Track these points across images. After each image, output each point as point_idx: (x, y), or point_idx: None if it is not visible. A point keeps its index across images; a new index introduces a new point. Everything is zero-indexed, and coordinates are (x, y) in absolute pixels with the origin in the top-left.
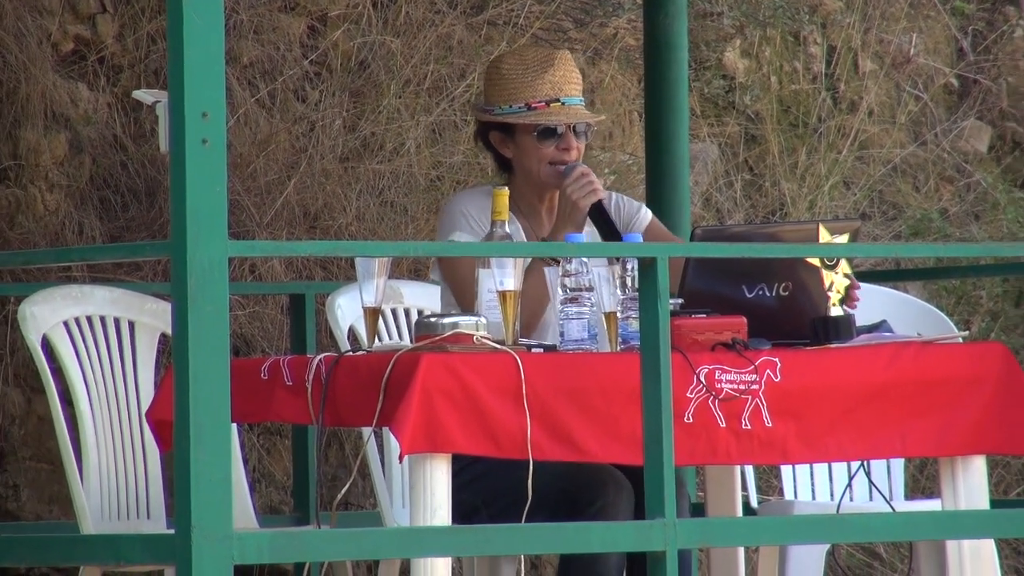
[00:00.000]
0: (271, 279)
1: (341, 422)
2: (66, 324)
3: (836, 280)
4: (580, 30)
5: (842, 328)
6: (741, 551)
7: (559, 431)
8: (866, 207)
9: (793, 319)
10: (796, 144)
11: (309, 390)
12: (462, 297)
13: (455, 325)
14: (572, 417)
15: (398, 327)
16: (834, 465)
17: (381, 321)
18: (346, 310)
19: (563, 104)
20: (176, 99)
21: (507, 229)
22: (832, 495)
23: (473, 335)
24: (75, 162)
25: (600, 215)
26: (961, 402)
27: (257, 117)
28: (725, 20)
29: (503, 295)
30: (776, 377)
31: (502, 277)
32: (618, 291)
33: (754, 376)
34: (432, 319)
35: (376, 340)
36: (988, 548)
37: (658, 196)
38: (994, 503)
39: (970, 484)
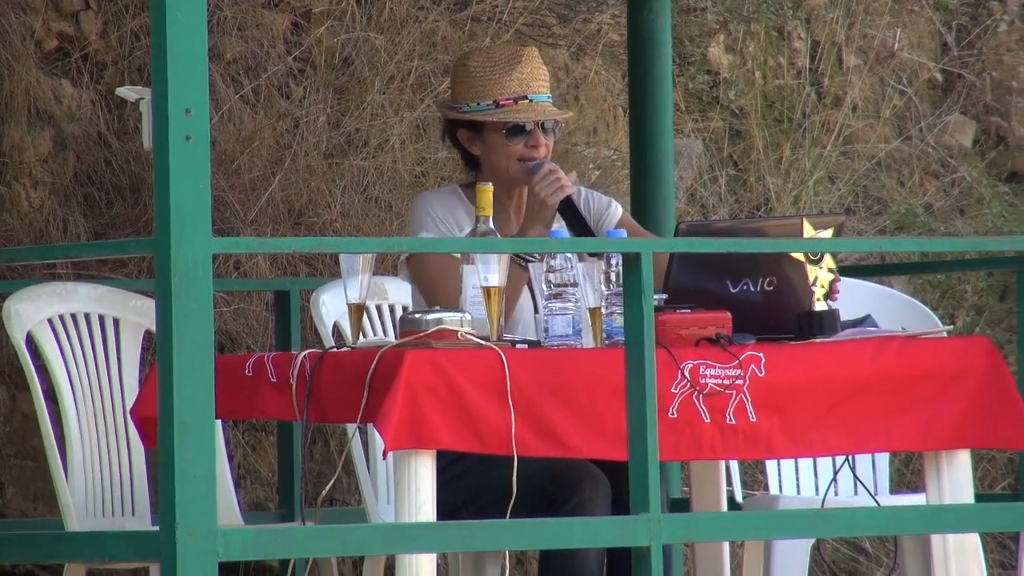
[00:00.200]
0: (256, 276)
1: (326, 418)
2: (50, 321)
3: (820, 275)
4: (564, 26)
5: (827, 323)
6: (726, 546)
7: (544, 427)
8: (851, 202)
9: (777, 314)
10: (780, 139)
11: (293, 386)
12: (430, 297)
13: (440, 321)
14: (557, 413)
15: (383, 323)
16: (819, 459)
17: (365, 317)
18: (331, 306)
19: (531, 101)
20: (159, 96)
21: (490, 225)
22: (817, 490)
23: (457, 331)
24: (59, 159)
25: (569, 211)
26: (946, 396)
27: (241, 114)
28: (709, 15)
29: (487, 291)
30: (760, 372)
31: (486, 273)
32: (602, 287)
33: (738, 371)
34: (417, 315)
35: (361, 336)
36: (973, 542)
37: (643, 191)
38: (979, 497)
39: (955, 478)
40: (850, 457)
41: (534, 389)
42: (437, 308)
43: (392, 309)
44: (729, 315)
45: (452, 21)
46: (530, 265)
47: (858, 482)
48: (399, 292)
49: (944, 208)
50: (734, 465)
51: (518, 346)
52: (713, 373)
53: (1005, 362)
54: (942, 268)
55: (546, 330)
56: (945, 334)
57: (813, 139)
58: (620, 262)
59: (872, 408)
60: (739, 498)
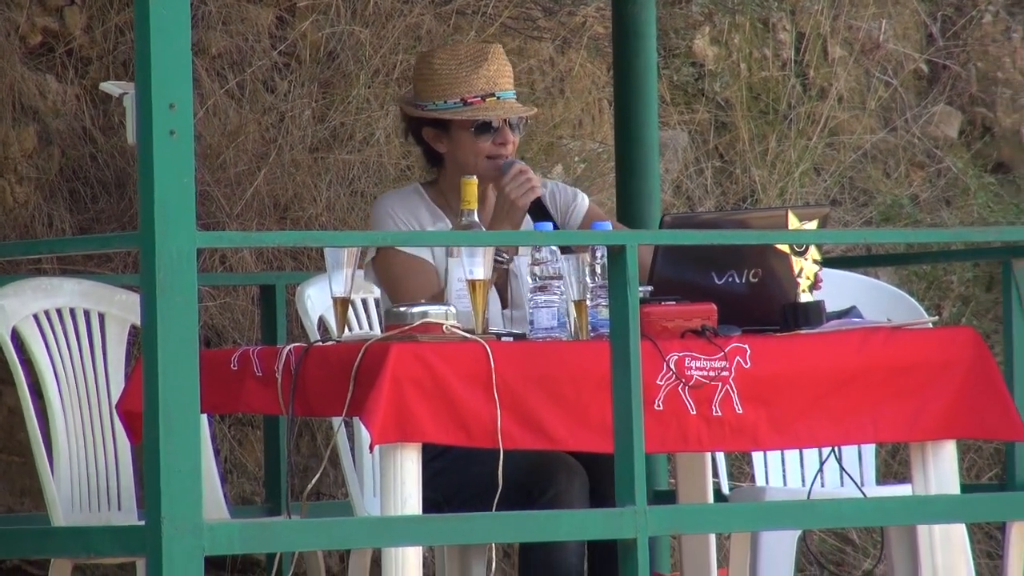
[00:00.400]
0: (242, 270)
1: (311, 412)
2: (36, 317)
3: (805, 266)
4: (549, 18)
5: (812, 314)
6: (712, 538)
7: (529, 419)
8: (837, 193)
9: (763, 305)
10: (766, 131)
11: (279, 380)
12: (394, 297)
13: (425, 314)
14: (542, 405)
15: (368, 317)
16: (805, 451)
17: (351, 311)
18: (316, 300)
19: (498, 98)
20: (143, 91)
21: (475, 218)
22: (803, 481)
23: (443, 324)
24: (44, 154)
25: (539, 211)
26: (932, 387)
27: (226, 108)
28: (694, 7)
29: (472, 284)
30: (746, 363)
31: (471, 266)
32: (587, 279)
33: (724, 363)
34: (402, 309)
35: (346, 330)
36: (959, 532)
37: (628, 184)
38: (965, 487)
39: (940, 469)
40: (836, 448)
41: (520, 382)
42: (423, 301)
43: (377, 303)
44: (714, 307)
45: (437, 15)
46: (504, 260)
47: (844, 473)
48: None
49: (930, 199)
50: (720, 457)
51: (503, 339)
52: (699, 365)
53: (991, 352)
54: (928, 259)
55: (531, 323)
56: (931, 325)
57: (799, 131)
58: (605, 254)
59: (858, 399)
60: (725, 490)
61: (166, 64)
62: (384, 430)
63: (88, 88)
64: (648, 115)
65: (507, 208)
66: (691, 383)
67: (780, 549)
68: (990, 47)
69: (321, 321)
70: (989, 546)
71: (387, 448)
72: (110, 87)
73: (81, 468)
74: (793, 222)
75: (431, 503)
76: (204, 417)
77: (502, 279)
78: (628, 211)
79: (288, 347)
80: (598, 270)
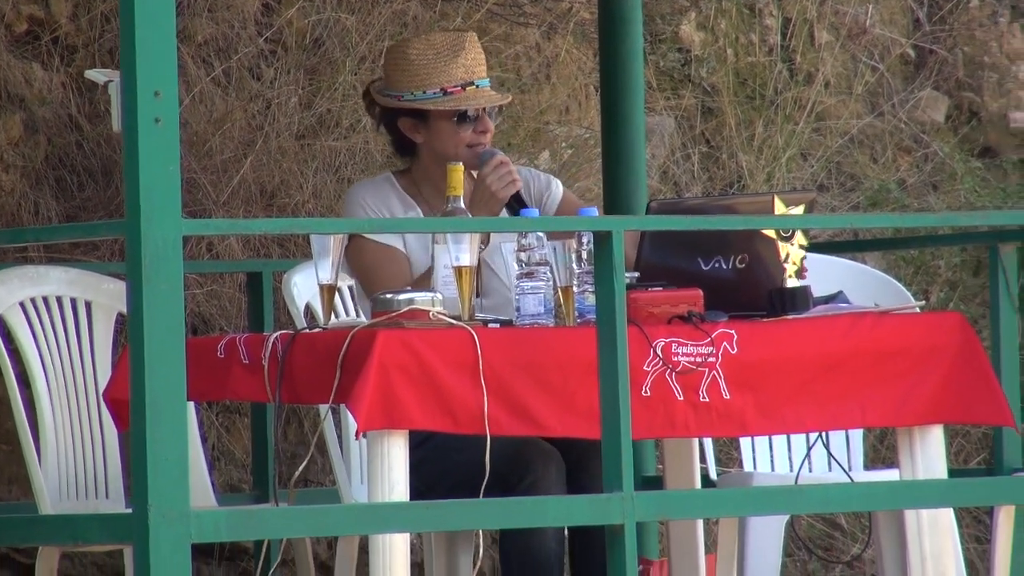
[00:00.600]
0: (228, 257)
1: (298, 399)
2: (22, 305)
3: (792, 252)
4: (535, 4)
5: (799, 299)
6: (700, 523)
7: (516, 406)
8: (824, 178)
9: (750, 291)
10: (753, 116)
11: (265, 368)
12: (368, 285)
13: (411, 301)
14: (529, 392)
15: (355, 304)
16: (793, 436)
17: (337, 298)
18: (302, 287)
19: (477, 87)
20: (128, 78)
21: (460, 204)
22: (791, 466)
23: (429, 311)
24: (30, 142)
25: (517, 203)
26: (919, 372)
27: (212, 95)
28: None
29: (459, 271)
30: (733, 349)
31: (458, 253)
32: (573, 265)
33: (711, 348)
34: (388, 296)
35: (332, 317)
36: (946, 517)
37: (614, 170)
38: (953, 472)
39: (928, 454)
40: (824, 433)
41: (506, 368)
42: (408, 288)
43: None
44: (701, 293)
45: (423, 2)
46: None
47: (832, 458)
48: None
49: (917, 184)
50: (708, 442)
51: (490, 325)
52: (685, 351)
53: (978, 337)
54: (915, 244)
55: (518, 309)
56: (918, 310)
57: (785, 116)
58: (591, 240)
59: (845, 384)
60: (713, 475)
61: (151, 52)
62: (371, 417)
63: (74, 76)
64: (634, 101)
65: (486, 199)
66: (678, 369)
67: (768, 534)
68: (976, 32)
69: (308, 308)
70: (977, 530)
71: (374, 435)
72: (95, 75)
73: (68, 456)
74: (779, 207)
75: (414, 492)
76: (191, 405)
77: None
78: (614, 197)
79: (275, 334)
80: (584, 256)
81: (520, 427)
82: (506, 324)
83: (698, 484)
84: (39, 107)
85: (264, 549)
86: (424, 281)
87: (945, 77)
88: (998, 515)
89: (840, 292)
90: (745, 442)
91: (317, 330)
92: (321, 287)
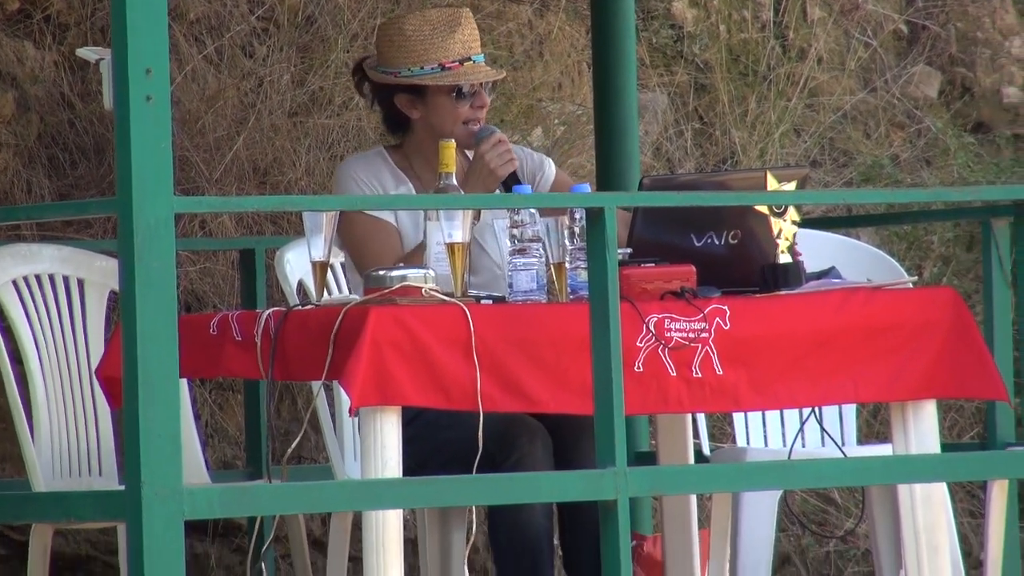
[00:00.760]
0: (221, 235)
1: (291, 376)
2: (15, 283)
3: (784, 227)
4: None
5: (791, 275)
6: (693, 499)
7: (509, 382)
8: (817, 154)
9: (742, 267)
10: (746, 92)
11: (258, 345)
12: (359, 259)
13: (404, 278)
14: (522, 368)
15: (348, 281)
16: (786, 412)
17: (330, 275)
18: (295, 264)
19: (474, 63)
20: (119, 56)
21: (453, 181)
22: (784, 441)
23: (422, 287)
24: (23, 121)
25: (514, 182)
26: (912, 347)
27: (205, 73)
28: None
29: (451, 247)
30: (726, 325)
31: (450, 229)
32: (566, 242)
33: (703, 324)
34: (381, 272)
35: (325, 294)
36: (940, 492)
37: (607, 146)
38: (946, 447)
39: (921, 429)
40: (817, 409)
41: (499, 344)
42: (401, 265)
43: None
44: (693, 269)
45: None
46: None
47: (825, 433)
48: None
49: (910, 159)
50: (701, 418)
51: (483, 302)
52: (678, 327)
53: (971, 312)
54: (908, 219)
55: (510, 285)
56: (910, 285)
57: (778, 92)
58: (584, 217)
59: (838, 360)
60: (706, 451)
61: (142, 29)
62: (364, 393)
63: (66, 54)
64: (627, 78)
65: (484, 175)
66: (671, 345)
67: (761, 510)
68: (969, 7)
69: (300, 285)
70: (971, 505)
71: (367, 411)
72: (86, 53)
73: (61, 433)
74: (772, 183)
75: (405, 469)
76: (184, 382)
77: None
78: (608, 173)
79: (267, 311)
80: (577, 232)
81: (513, 403)
82: (499, 301)
83: (691, 460)
84: (31, 85)
85: (257, 526)
86: (415, 256)
87: (938, 53)
88: (991, 489)
89: (833, 268)
90: (738, 417)
91: (310, 307)
92: (314, 264)
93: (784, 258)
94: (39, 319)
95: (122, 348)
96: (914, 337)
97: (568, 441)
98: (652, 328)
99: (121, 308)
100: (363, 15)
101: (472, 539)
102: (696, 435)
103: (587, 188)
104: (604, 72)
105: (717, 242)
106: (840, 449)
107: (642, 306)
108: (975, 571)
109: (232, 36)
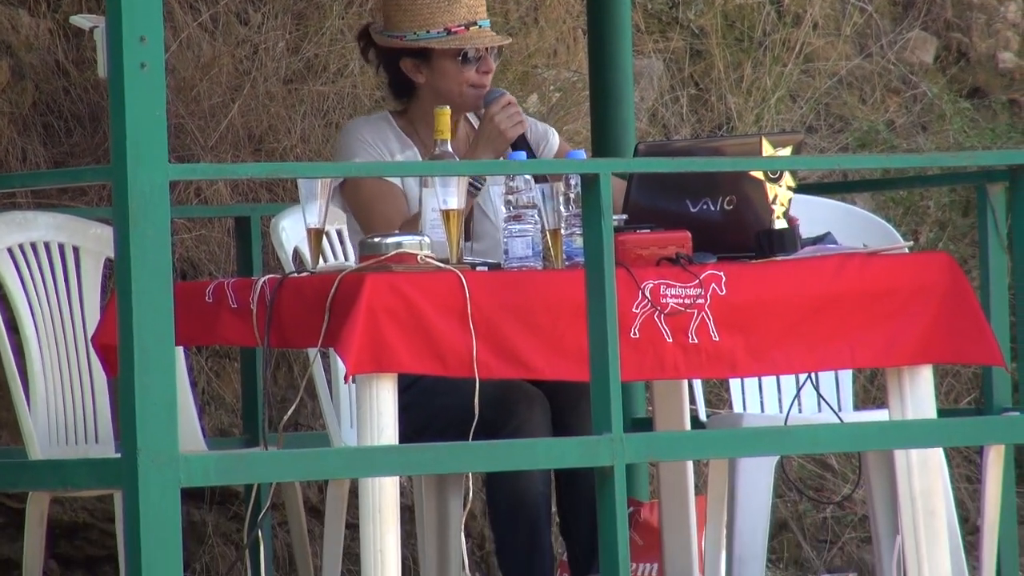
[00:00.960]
0: (217, 202)
1: (287, 344)
2: (10, 251)
3: (780, 193)
4: None
5: (787, 241)
6: (690, 465)
7: (505, 349)
8: (812, 120)
9: (738, 232)
10: (741, 58)
11: (254, 312)
12: (366, 222)
13: (399, 245)
14: (518, 334)
15: (343, 248)
16: (782, 377)
17: (325, 242)
18: (290, 232)
19: (480, 27)
20: (113, 24)
21: (448, 148)
22: (781, 407)
23: (417, 254)
24: (17, 88)
25: (522, 145)
26: (907, 312)
27: (200, 40)
28: None
29: (446, 214)
30: (721, 291)
31: (445, 196)
32: (561, 208)
33: (699, 290)
34: (376, 239)
35: (321, 261)
36: (936, 457)
37: (603, 113)
38: (943, 412)
39: (917, 394)
40: (813, 374)
41: (495, 311)
42: (396, 232)
43: None
44: (689, 234)
45: None
46: (472, 190)
47: (821, 399)
48: (346, 220)
49: (906, 124)
50: (697, 384)
51: (478, 268)
52: (674, 293)
53: (967, 277)
54: (904, 184)
55: (506, 252)
56: (906, 250)
57: (774, 58)
58: (579, 183)
59: (835, 325)
60: (703, 417)
61: None
62: (359, 360)
63: (61, 22)
64: (622, 43)
65: (493, 137)
66: (667, 311)
67: (758, 475)
68: None
69: (296, 252)
70: (968, 470)
71: (363, 379)
72: (80, 20)
73: (58, 401)
74: (767, 149)
75: (402, 437)
76: (180, 350)
77: (468, 212)
78: (603, 140)
79: (263, 279)
80: (572, 198)
81: (509, 370)
82: (494, 267)
83: (688, 426)
84: (26, 53)
85: (254, 493)
86: (418, 222)
87: (933, 18)
88: (988, 454)
89: (828, 233)
90: (735, 383)
91: (305, 274)
92: (309, 231)
93: (780, 224)
94: (35, 287)
95: (118, 316)
96: (910, 302)
97: (566, 408)
98: (648, 294)
99: (116, 276)
100: None
101: (469, 506)
102: (692, 401)
103: (582, 154)
104: (599, 38)
105: (712, 208)
106: (837, 415)
107: (638, 272)
108: (972, 536)
109: (227, 3)
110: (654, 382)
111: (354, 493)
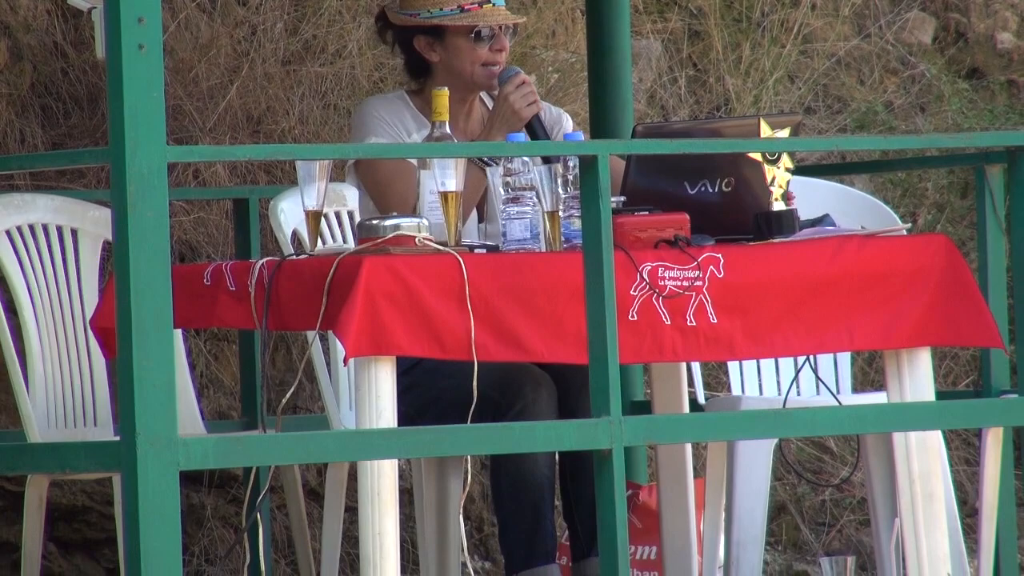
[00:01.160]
0: (215, 184)
1: (285, 326)
2: (8, 233)
3: (778, 175)
4: None
5: (785, 223)
6: (689, 448)
7: (503, 331)
8: (811, 101)
9: (736, 215)
10: (740, 39)
11: (252, 295)
12: (380, 200)
13: (397, 227)
14: (516, 317)
15: (342, 230)
16: (781, 360)
17: (324, 224)
18: (289, 214)
19: (494, 5)
20: (111, 5)
21: (447, 130)
22: (779, 390)
23: (415, 237)
24: (16, 70)
25: (537, 125)
26: (906, 294)
27: (198, 21)
28: None
29: (445, 196)
30: (719, 273)
31: (443, 178)
32: (560, 190)
33: (697, 272)
34: (374, 221)
35: (319, 243)
36: (935, 440)
37: (601, 94)
38: (941, 395)
39: (916, 376)
40: (812, 357)
41: (493, 294)
42: (394, 214)
43: (351, 216)
44: (687, 217)
45: None
46: (488, 170)
47: (820, 382)
48: (357, 199)
49: (904, 105)
50: (696, 367)
51: (476, 251)
52: (672, 275)
53: (964, 259)
54: (902, 166)
55: (504, 234)
56: (905, 232)
57: (772, 38)
58: (577, 165)
59: (833, 307)
60: (701, 400)
61: None
62: (358, 343)
63: (59, 3)
64: (621, 24)
65: (507, 117)
66: (665, 293)
67: (757, 458)
68: None
69: (295, 235)
70: (966, 453)
71: (361, 361)
72: (78, 1)
73: (56, 384)
74: (765, 130)
75: (403, 418)
76: (179, 332)
77: (483, 192)
78: (601, 121)
79: (261, 261)
80: (570, 180)
81: (507, 353)
82: (492, 250)
83: (686, 408)
84: (24, 34)
85: (253, 476)
86: None
87: None
88: (986, 437)
89: (827, 215)
90: (733, 366)
91: (303, 257)
92: (307, 213)
93: (778, 206)
94: (33, 270)
95: (116, 299)
96: (908, 285)
97: (572, 390)
98: (646, 277)
99: (115, 258)
100: None
101: (468, 489)
102: (691, 384)
103: (580, 136)
104: (597, 19)
105: (711, 190)
106: (835, 397)
107: (636, 255)
108: (970, 519)
109: None
110: (652, 365)
111: (353, 476)
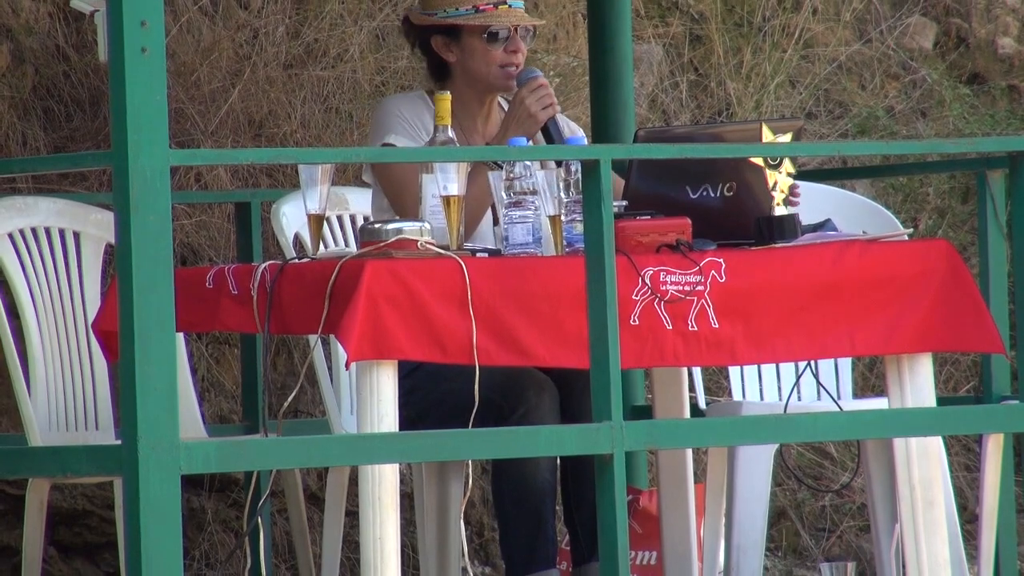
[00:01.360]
0: (217, 188)
1: (287, 330)
2: (11, 236)
3: (780, 179)
4: None
5: (787, 227)
6: (689, 453)
7: (505, 336)
8: (812, 106)
9: (738, 219)
10: (741, 44)
11: (255, 298)
12: (396, 200)
13: (399, 231)
14: (518, 321)
15: (344, 234)
16: (782, 365)
17: (326, 228)
18: (291, 217)
19: (509, 6)
20: (114, 8)
21: (450, 134)
22: (780, 395)
23: (417, 241)
24: (18, 73)
25: (552, 129)
26: (907, 300)
27: (200, 25)
28: None
29: (447, 200)
30: (721, 278)
31: (446, 182)
32: (562, 194)
33: (699, 277)
34: (376, 225)
35: (321, 247)
36: (935, 445)
37: (603, 98)
38: (942, 400)
39: (917, 382)
40: (813, 362)
41: (495, 298)
42: (397, 218)
43: (353, 219)
44: (689, 221)
45: None
46: (491, 174)
47: (821, 387)
48: (359, 202)
49: (905, 111)
50: (697, 372)
51: (478, 255)
52: (674, 280)
53: (966, 264)
54: (903, 171)
55: (506, 238)
56: (906, 237)
57: (773, 43)
58: (579, 169)
59: (834, 313)
60: (702, 404)
61: None
62: (360, 347)
63: (61, 5)
64: (622, 29)
65: (523, 118)
66: (666, 298)
67: (757, 464)
68: None
69: (296, 238)
70: (967, 459)
71: (363, 365)
72: (80, 4)
73: (58, 387)
74: (767, 135)
75: (405, 421)
76: (180, 336)
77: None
78: (602, 125)
79: (263, 265)
80: (572, 184)
81: (509, 357)
82: (494, 254)
83: (687, 413)
84: (26, 37)
85: (254, 480)
86: None
87: (933, 3)
88: (987, 443)
89: (828, 220)
90: (734, 371)
91: (306, 260)
92: (309, 217)
93: (779, 210)
94: (35, 272)
95: (118, 302)
96: (910, 290)
97: (574, 395)
98: (648, 281)
99: (117, 261)
100: None
101: (468, 493)
102: (692, 389)
103: (582, 140)
104: (599, 23)
105: (712, 194)
106: (836, 403)
107: (638, 259)
108: (970, 525)
109: None
110: (653, 369)
111: (354, 480)
